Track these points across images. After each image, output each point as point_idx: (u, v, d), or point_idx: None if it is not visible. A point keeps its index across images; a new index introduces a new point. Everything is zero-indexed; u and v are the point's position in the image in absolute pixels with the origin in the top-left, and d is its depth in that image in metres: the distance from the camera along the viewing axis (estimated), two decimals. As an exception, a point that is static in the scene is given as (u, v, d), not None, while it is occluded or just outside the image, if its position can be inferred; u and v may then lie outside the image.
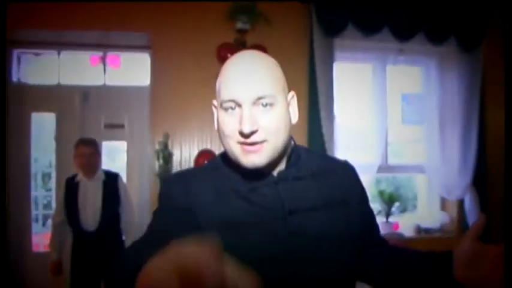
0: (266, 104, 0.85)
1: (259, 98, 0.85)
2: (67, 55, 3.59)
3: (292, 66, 3.37)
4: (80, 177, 2.89)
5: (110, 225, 2.89)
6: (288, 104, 0.92)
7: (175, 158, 3.35)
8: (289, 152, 0.96)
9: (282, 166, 0.95)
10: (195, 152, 3.36)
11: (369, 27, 3.51)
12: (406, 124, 4.09)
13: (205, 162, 3.30)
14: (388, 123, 3.76)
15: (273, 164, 0.92)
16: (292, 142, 0.99)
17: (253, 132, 0.84)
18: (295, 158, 0.97)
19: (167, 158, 3.26)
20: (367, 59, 3.76)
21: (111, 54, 3.71)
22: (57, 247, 2.89)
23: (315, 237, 0.89)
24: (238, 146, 0.87)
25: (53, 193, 3.56)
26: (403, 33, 3.58)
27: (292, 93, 0.94)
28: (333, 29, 3.46)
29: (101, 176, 2.92)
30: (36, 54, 3.70)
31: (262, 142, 0.86)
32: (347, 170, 1.04)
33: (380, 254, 1.01)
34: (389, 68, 3.76)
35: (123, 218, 2.96)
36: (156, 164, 3.28)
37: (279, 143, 0.88)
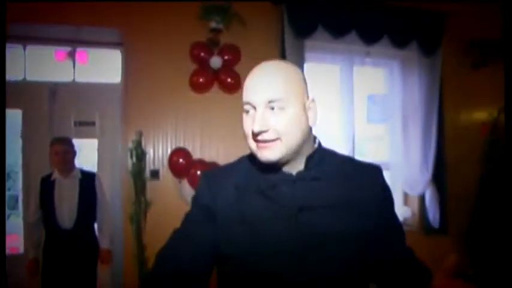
0: (277, 107, 0.94)
1: (271, 101, 0.94)
2: (34, 50, 3.48)
3: (265, 66, 3.45)
4: (56, 175, 2.88)
5: (85, 224, 2.90)
6: (307, 108, 0.99)
7: (149, 156, 3.34)
8: (311, 153, 1.02)
9: (301, 166, 1.01)
10: (168, 150, 3.37)
11: (337, 30, 3.65)
12: (371, 123, 4.27)
13: (180, 160, 3.35)
14: (354, 122, 3.92)
15: (290, 162, 0.99)
16: (317, 143, 1.06)
17: (264, 132, 0.93)
18: (317, 159, 1.02)
19: (140, 156, 3.25)
20: (335, 60, 3.90)
21: (79, 50, 3.63)
22: (34, 245, 2.86)
23: (323, 235, 0.95)
24: (255, 143, 0.97)
25: (19, 193, 3.45)
26: (370, 36, 3.75)
27: (311, 98, 1.02)
28: (303, 30, 3.57)
29: (77, 175, 2.92)
30: (-2, 48, 3.56)
31: (274, 140, 0.94)
32: (371, 175, 1.06)
33: (388, 261, 1.04)
34: (356, 69, 3.92)
35: (98, 217, 2.97)
36: (129, 162, 3.26)
37: (293, 142, 0.95)
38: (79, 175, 2.93)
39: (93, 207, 2.94)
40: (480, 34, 4.06)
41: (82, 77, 3.57)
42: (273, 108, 0.94)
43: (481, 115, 4.29)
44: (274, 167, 0.99)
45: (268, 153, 0.95)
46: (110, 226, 3.01)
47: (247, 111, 0.97)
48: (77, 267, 2.85)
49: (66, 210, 2.83)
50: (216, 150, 3.47)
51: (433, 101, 3.95)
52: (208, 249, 1.00)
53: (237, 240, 0.98)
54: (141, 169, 3.23)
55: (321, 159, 1.03)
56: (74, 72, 3.54)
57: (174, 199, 3.33)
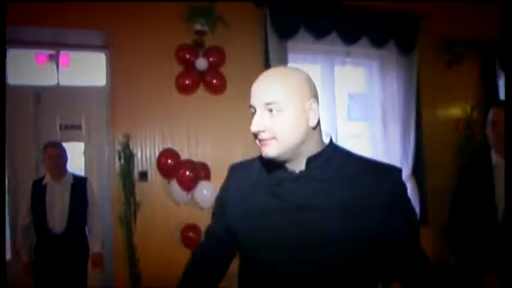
0: (275, 109, 0.99)
1: (268, 104, 1.00)
2: (15, 53, 3.43)
3: (249, 67, 3.53)
4: (48, 179, 2.88)
5: (76, 228, 2.91)
6: (308, 110, 1.02)
7: (137, 157, 3.36)
8: (315, 153, 1.04)
9: (303, 165, 1.05)
10: (156, 151, 3.39)
11: (319, 31, 3.76)
12: (352, 120, 4.40)
13: (168, 161, 3.37)
14: (336, 120, 4.04)
15: (294, 160, 1.04)
16: (327, 143, 1.08)
17: (261, 131, 1.01)
18: (323, 159, 1.04)
19: (128, 157, 3.26)
20: (317, 61, 4.00)
21: (62, 53, 3.61)
22: (28, 248, 2.86)
23: (320, 234, 0.99)
24: (258, 141, 1.05)
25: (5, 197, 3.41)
26: (350, 37, 3.88)
27: (311, 101, 1.02)
28: (286, 32, 3.66)
29: (69, 179, 2.93)
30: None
31: (271, 139, 1.01)
32: (383, 177, 1.04)
33: (393, 263, 1.06)
34: (337, 69, 4.03)
35: (89, 221, 2.98)
36: (117, 164, 3.27)
37: (289, 142, 1.00)
38: (71, 179, 2.94)
39: (84, 212, 2.95)
40: (454, 34, 4.25)
41: (65, 81, 3.55)
42: (271, 110, 0.99)
43: (456, 111, 4.49)
44: (280, 165, 1.05)
45: (267, 150, 1.01)
46: (101, 230, 3.01)
47: (253, 113, 1.04)
48: (67, 270, 2.84)
49: (58, 214, 2.83)
50: (203, 150, 3.52)
51: (410, 98, 4.12)
52: (221, 242, 1.16)
53: (240, 233, 1.09)
54: (129, 171, 3.24)
55: (328, 159, 1.05)
56: (58, 76, 3.52)
57: (163, 199, 3.37)
